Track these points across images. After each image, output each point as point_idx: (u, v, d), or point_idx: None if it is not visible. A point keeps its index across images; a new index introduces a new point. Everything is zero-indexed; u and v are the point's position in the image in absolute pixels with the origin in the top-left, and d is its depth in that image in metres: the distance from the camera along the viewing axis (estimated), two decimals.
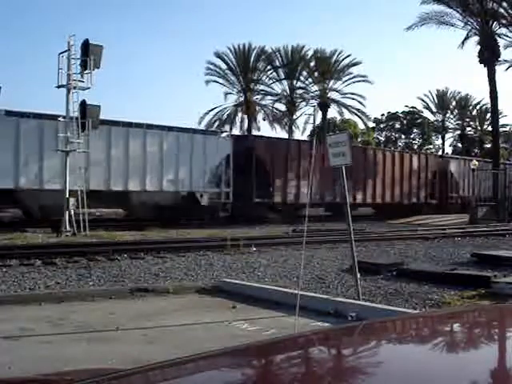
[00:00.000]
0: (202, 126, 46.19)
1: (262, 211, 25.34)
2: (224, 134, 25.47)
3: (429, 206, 33.50)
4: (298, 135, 49.64)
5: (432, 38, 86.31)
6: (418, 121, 66.64)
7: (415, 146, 64.84)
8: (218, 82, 48.66)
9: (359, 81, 48.96)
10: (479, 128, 63.34)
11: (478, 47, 35.05)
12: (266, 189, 26.30)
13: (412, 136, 68.47)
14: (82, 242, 15.15)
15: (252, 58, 48.21)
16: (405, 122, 67.76)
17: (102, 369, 1.83)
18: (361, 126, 56.81)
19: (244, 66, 47.87)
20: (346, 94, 50.12)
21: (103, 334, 6.16)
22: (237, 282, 9.22)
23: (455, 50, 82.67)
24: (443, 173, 34.61)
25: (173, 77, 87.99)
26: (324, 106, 50.18)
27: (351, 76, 49.14)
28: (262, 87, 50.27)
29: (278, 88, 50.18)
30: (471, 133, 64.78)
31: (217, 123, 48.93)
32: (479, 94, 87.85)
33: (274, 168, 26.67)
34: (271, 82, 49.94)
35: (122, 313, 7.23)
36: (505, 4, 34.75)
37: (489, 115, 51.51)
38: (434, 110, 64.14)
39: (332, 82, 49.89)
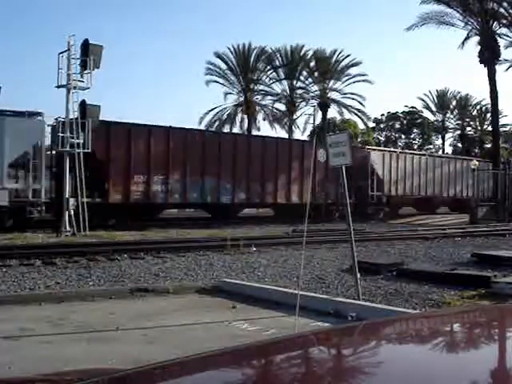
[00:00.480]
0: (203, 126, 46.24)
1: (94, 212, 19.45)
2: (38, 117, 19.55)
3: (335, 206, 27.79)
4: (298, 135, 49.70)
5: (432, 38, 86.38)
6: (418, 121, 66.63)
7: (415, 146, 64.82)
8: (218, 82, 48.76)
9: (359, 81, 49.02)
10: (479, 128, 63.33)
11: (478, 47, 35.12)
12: (100, 186, 20.73)
13: (412, 136, 68.48)
14: (81, 242, 15.16)
15: (252, 58, 48.28)
16: (405, 122, 67.76)
17: (102, 369, 1.83)
18: (361, 125, 56.87)
19: (244, 66, 47.90)
20: (346, 93, 50.19)
21: (103, 334, 6.16)
22: (237, 281, 9.22)
23: (455, 50, 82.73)
24: (362, 167, 27.88)
25: (173, 77, 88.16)
26: (324, 106, 50.17)
27: (351, 76, 49.23)
28: (261, 87, 50.37)
29: (278, 88, 50.29)
30: (471, 133, 64.77)
31: (217, 123, 49.00)
32: (479, 94, 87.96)
33: (112, 160, 20.97)
34: (271, 81, 50.04)
35: (122, 313, 7.23)
36: (505, 4, 34.78)
37: (489, 115, 51.59)
38: (434, 109, 64.21)
39: (332, 82, 49.94)
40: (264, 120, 50.67)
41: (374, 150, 32.25)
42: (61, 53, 18.36)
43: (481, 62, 34.91)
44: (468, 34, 36.15)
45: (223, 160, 24.12)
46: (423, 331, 1.74)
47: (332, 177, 25.81)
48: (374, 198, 29.46)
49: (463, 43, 36.72)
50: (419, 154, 36.28)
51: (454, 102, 63.15)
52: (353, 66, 48.78)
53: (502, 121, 48.25)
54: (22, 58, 76.34)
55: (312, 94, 50.64)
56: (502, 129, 49.63)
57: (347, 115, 52.73)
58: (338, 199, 26.56)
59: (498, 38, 35.39)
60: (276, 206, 27.11)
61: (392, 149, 39.34)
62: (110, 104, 74.51)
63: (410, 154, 35.08)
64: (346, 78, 49.47)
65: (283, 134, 48.30)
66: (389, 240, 16.95)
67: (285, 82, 50.23)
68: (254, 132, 47.02)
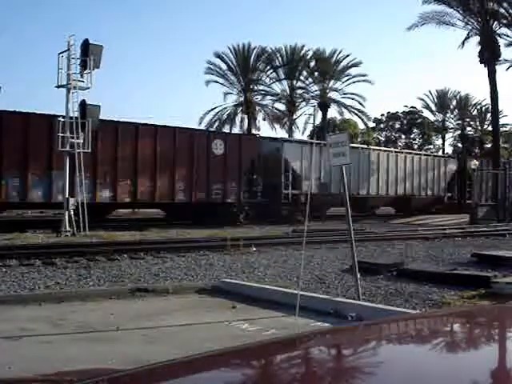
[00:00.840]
0: (203, 126, 46.21)
1: None
2: None
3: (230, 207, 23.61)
4: (298, 135, 49.65)
5: (432, 38, 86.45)
6: (418, 121, 66.62)
7: (415, 146, 64.81)
8: (218, 82, 48.73)
9: (359, 81, 49.01)
10: (479, 128, 63.34)
11: (479, 47, 35.08)
12: None
13: (412, 136, 68.48)
14: (81, 242, 15.14)
15: (252, 58, 48.23)
16: (405, 121, 67.77)
17: (102, 369, 1.83)
18: (361, 125, 56.86)
19: (244, 66, 47.86)
20: (346, 93, 50.18)
21: (103, 334, 6.16)
22: (237, 282, 9.22)
23: (455, 50, 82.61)
24: (274, 162, 24.53)
25: (173, 77, 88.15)
26: (324, 106, 50.13)
27: (351, 76, 49.21)
28: (261, 87, 50.33)
29: (277, 88, 50.26)
30: (471, 133, 64.78)
31: (217, 123, 48.99)
32: (479, 93, 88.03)
33: None
34: (271, 81, 50.00)
35: (122, 313, 7.22)
36: (505, 4, 34.76)
37: (489, 115, 51.55)
38: (434, 109, 64.20)
39: (332, 81, 49.92)
40: (264, 120, 50.71)
41: (291, 141, 27.36)
42: (61, 53, 18.36)
43: (481, 61, 34.88)
44: (468, 34, 36.11)
45: None
46: (423, 331, 1.74)
47: (234, 173, 23.28)
48: (289, 198, 25.38)
49: (463, 43, 36.69)
50: (351, 147, 32.60)
51: (454, 102, 63.12)
52: (353, 66, 48.82)
53: (502, 121, 48.25)
54: (22, 58, 76.46)
55: (312, 94, 50.63)
56: (502, 129, 49.61)
57: (347, 115, 52.77)
58: (241, 199, 23.85)
59: (498, 38, 35.37)
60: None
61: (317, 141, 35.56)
62: (109, 104, 74.48)
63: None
64: (346, 78, 49.53)
65: (283, 134, 48.36)
66: (389, 240, 16.94)
67: (285, 82, 50.22)
68: (254, 132, 47.02)
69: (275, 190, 24.81)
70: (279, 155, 24.93)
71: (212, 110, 49.37)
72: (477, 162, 30.70)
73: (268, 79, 50.07)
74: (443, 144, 66.10)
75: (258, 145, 24.95)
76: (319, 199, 24.96)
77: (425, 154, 37.70)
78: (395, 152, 33.83)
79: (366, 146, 33.31)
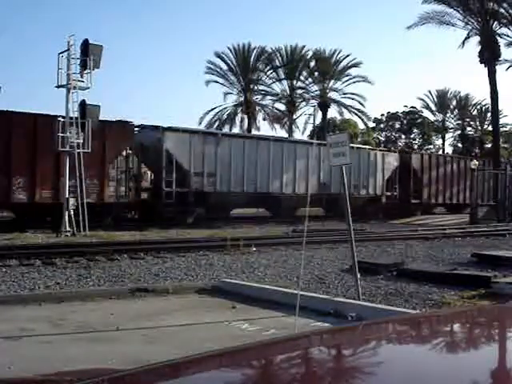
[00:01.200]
0: (203, 126, 46.21)
1: None
2: None
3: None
4: (298, 135, 49.63)
5: (432, 38, 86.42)
6: (418, 121, 66.63)
7: (415, 146, 64.80)
8: (218, 82, 48.74)
9: (359, 81, 48.99)
10: (479, 128, 63.35)
11: (479, 47, 35.08)
12: None
13: (412, 136, 68.48)
14: (81, 242, 15.14)
15: (252, 58, 48.23)
16: (405, 121, 67.77)
17: (102, 369, 1.83)
18: (361, 125, 56.83)
19: (244, 66, 47.87)
20: (346, 93, 50.18)
21: (103, 334, 6.16)
22: (237, 282, 9.21)
23: (455, 49, 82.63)
24: (155, 153, 21.67)
25: (173, 77, 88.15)
26: (324, 106, 50.14)
27: (351, 76, 49.21)
28: (262, 87, 50.33)
29: (277, 88, 50.26)
30: (471, 133, 64.79)
31: (217, 123, 49.00)
32: (479, 93, 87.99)
33: None
34: (271, 81, 50.00)
35: (122, 313, 7.22)
36: (505, 4, 34.75)
37: (489, 115, 51.56)
38: (434, 109, 64.22)
39: (332, 81, 49.91)
40: (264, 120, 50.73)
41: (175, 130, 22.72)
42: (61, 53, 18.36)
43: (481, 61, 34.88)
44: (468, 34, 36.11)
45: None
46: (423, 331, 1.74)
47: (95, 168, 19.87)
48: (173, 197, 22.09)
49: (463, 43, 36.69)
50: (248, 137, 27.22)
51: (454, 102, 63.17)
52: (353, 66, 48.81)
53: (502, 121, 48.28)
54: (22, 58, 76.46)
55: (312, 94, 50.65)
56: (502, 129, 49.60)
57: (347, 115, 52.77)
58: (104, 197, 20.41)
59: (498, 38, 35.36)
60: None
61: (210, 130, 31.86)
62: (109, 104, 74.49)
63: (241, 137, 26.24)
64: (346, 78, 49.53)
65: (283, 134, 48.33)
66: (389, 240, 16.94)
67: (285, 82, 50.23)
68: (254, 132, 47.02)
69: (156, 187, 22.13)
70: (160, 146, 21.64)
71: (212, 110, 49.46)
72: (477, 162, 30.65)
73: (268, 79, 50.15)
74: (443, 144, 66.21)
75: (131, 134, 21.36)
76: (217, 198, 23.15)
77: (357, 147, 30.26)
78: (317, 144, 27.15)
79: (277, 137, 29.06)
